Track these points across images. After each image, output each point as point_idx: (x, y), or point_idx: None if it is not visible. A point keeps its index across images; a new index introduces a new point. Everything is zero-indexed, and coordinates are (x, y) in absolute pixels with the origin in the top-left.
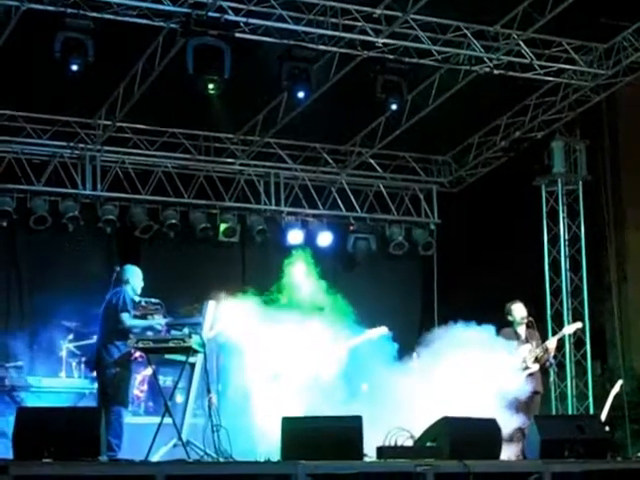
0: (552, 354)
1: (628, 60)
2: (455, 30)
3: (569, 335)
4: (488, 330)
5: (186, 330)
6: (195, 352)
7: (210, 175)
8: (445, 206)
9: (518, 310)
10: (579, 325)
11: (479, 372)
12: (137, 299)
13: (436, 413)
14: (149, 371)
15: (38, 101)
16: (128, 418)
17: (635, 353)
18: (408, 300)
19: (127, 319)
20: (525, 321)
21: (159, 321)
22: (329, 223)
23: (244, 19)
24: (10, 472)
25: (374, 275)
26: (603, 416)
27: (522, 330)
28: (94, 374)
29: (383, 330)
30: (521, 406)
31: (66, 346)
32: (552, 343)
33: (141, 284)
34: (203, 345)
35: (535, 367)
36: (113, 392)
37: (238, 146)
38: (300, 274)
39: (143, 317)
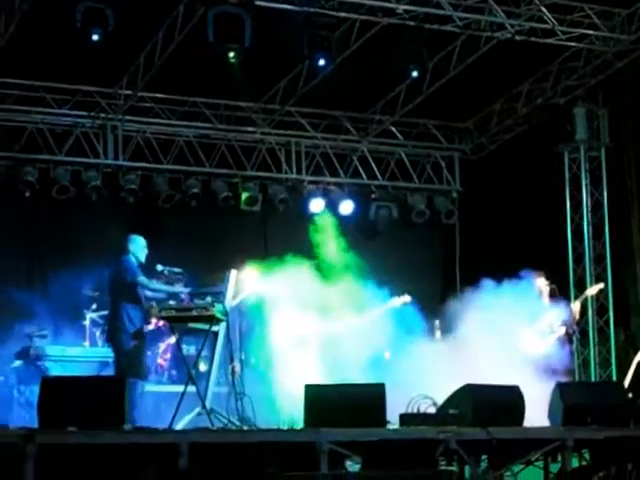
0: (577, 318)
1: None
2: None
3: (592, 301)
4: (512, 292)
5: (209, 299)
6: (218, 321)
7: (231, 144)
8: (467, 173)
9: (541, 280)
10: (601, 285)
11: (505, 337)
12: (160, 268)
13: (463, 380)
14: (172, 340)
15: (59, 71)
16: (152, 387)
17: None
18: (430, 268)
19: (148, 282)
20: (548, 289)
21: (182, 289)
22: (350, 191)
23: None
24: (36, 440)
25: (396, 243)
26: (626, 383)
27: (546, 299)
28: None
29: (406, 299)
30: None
31: (89, 315)
32: (576, 306)
33: (145, 252)
34: (226, 313)
35: (561, 331)
36: (127, 364)
37: (259, 115)
38: (323, 240)
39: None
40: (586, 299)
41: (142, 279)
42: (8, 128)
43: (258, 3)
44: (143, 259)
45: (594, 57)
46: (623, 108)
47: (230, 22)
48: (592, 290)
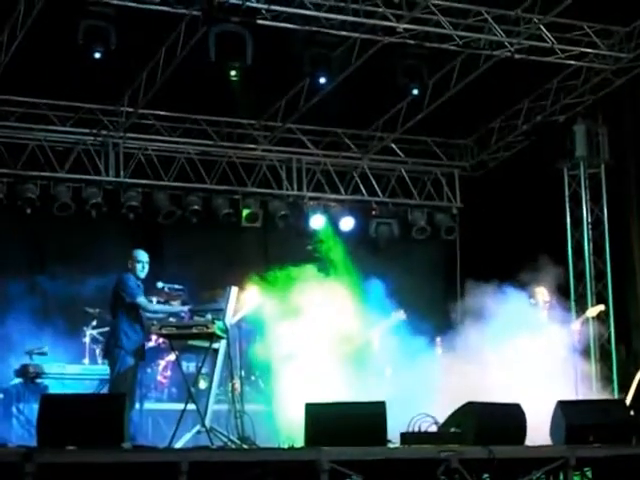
0: (576, 338)
1: None
2: (476, 15)
3: (592, 318)
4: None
5: (209, 316)
6: (218, 338)
7: (232, 161)
8: (467, 190)
9: (541, 294)
10: (602, 307)
11: (507, 354)
12: (160, 285)
13: (465, 398)
14: (172, 357)
15: (61, 88)
16: (151, 404)
17: None
18: (431, 285)
19: (146, 304)
20: (548, 305)
21: (180, 308)
22: (351, 208)
23: (265, 6)
24: (34, 460)
25: (397, 259)
26: (628, 400)
27: (545, 314)
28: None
29: (401, 315)
30: None
31: (89, 332)
32: (576, 326)
33: (146, 268)
34: (226, 331)
35: (561, 351)
36: (118, 381)
37: (260, 132)
38: (324, 257)
39: (166, 303)
40: (587, 319)
41: (141, 300)
42: (10, 145)
43: (260, 22)
44: (143, 276)
45: (593, 75)
46: (623, 125)
47: (232, 40)
48: (593, 311)
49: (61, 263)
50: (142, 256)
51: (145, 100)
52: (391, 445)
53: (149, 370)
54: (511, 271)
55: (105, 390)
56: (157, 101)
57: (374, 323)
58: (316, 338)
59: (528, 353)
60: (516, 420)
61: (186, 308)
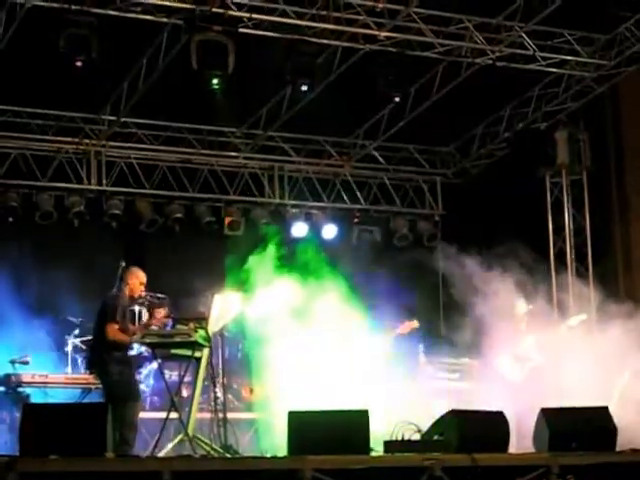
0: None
1: (630, 50)
2: (457, 23)
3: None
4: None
5: (191, 324)
6: (201, 346)
7: (214, 169)
8: (449, 197)
9: (520, 304)
10: (583, 317)
11: (487, 361)
12: (143, 294)
13: (448, 406)
14: (155, 366)
15: (43, 97)
16: None
17: None
18: (413, 292)
19: (111, 332)
20: (528, 314)
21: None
22: (333, 215)
23: (247, 14)
24: (17, 469)
25: (379, 267)
26: (611, 407)
27: (525, 323)
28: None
29: (414, 324)
30: None
31: (72, 341)
32: (561, 331)
33: (141, 288)
34: (209, 339)
35: (539, 359)
36: (122, 390)
37: (242, 140)
38: (307, 264)
39: (148, 310)
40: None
41: (109, 328)
42: None
43: (242, 30)
44: (137, 294)
45: (575, 82)
46: (604, 131)
47: (214, 49)
48: (574, 321)
49: (43, 272)
50: (142, 277)
51: (127, 108)
52: (374, 453)
53: None
54: (493, 279)
55: (88, 399)
56: (139, 109)
57: (357, 328)
58: (300, 345)
59: (505, 361)
60: (499, 428)
61: (148, 340)
